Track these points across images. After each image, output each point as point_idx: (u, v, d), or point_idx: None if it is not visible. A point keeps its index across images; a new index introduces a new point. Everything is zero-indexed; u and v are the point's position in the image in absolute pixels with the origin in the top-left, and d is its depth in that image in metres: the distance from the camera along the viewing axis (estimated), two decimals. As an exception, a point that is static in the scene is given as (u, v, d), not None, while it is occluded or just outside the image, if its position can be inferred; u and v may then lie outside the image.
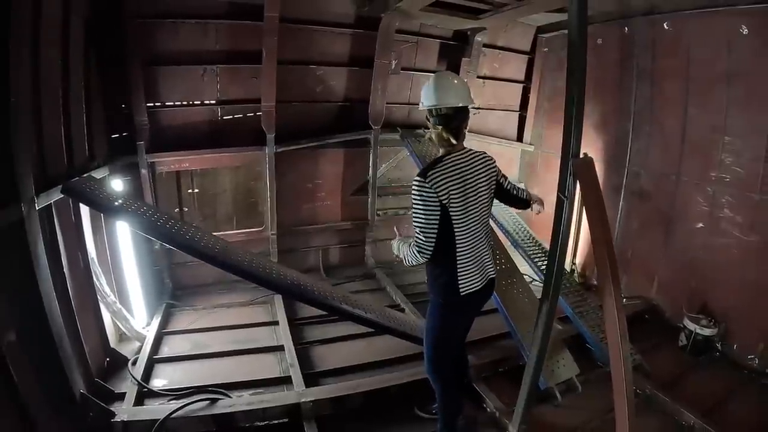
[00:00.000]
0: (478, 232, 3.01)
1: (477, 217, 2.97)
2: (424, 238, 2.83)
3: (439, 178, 2.79)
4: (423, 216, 2.81)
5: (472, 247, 2.98)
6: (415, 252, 2.88)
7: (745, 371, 4.63)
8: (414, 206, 2.85)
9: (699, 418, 3.76)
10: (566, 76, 2.78)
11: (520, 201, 3.45)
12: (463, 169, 2.90)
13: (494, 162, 3.12)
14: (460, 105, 2.93)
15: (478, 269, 3.03)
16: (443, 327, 3.21)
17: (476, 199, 2.94)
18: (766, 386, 4.43)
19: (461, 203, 2.85)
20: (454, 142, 2.95)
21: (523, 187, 3.57)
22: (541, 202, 3.51)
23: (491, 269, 3.16)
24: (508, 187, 3.35)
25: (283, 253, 6.60)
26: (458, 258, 2.93)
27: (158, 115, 5.61)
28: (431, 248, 2.85)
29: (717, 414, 3.91)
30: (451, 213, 2.82)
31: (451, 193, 2.80)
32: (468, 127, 3.08)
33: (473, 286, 3.00)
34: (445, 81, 2.99)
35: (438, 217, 2.81)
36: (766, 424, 3.89)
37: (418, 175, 2.84)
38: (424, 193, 2.79)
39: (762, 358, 4.59)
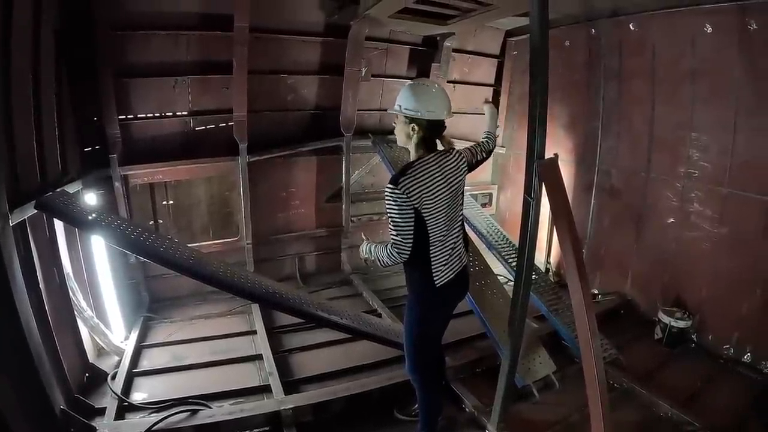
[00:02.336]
0: (451, 227, 3.09)
1: (449, 215, 3.05)
2: (402, 240, 2.89)
3: (410, 184, 2.84)
4: (399, 220, 2.87)
5: (445, 243, 3.06)
6: (394, 253, 2.93)
7: (721, 360, 4.76)
8: (389, 212, 2.91)
9: (676, 409, 3.84)
10: (529, 79, 2.82)
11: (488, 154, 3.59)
12: (434, 172, 2.96)
13: (462, 156, 3.21)
14: (441, 118, 3.05)
15: (450, 261, 3.11)
16: (422, 322, 3.26)
17: (448, 198, 3.02)
18: (741, 374, 4.54)
19: (433, 205, 2.92)
20: (424, 152, 3.05)
21: (485, 137, 3.71)
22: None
23: (464, 258, 3.26)
24: (479, 158, 3.47)
25: (259, 262, 6.58)
26: (432, 254, 3.01)
27: (131, 127, 5.56)
28: (409, 248, 2.91)
29: (694, 404, 4.01)
30: (424, 215, 2.89)
31: (423, 197, 2.86)
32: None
33: (447, 278, 3.08)
34: (429, 90, 3.09)
35: (413, 220, 2.88)
36: (742, 412, 3.97)
37: (389, 182, 2.88)
38: (398, 200, 2.84)
39: (737, 347, 4.71)
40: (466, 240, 3.37)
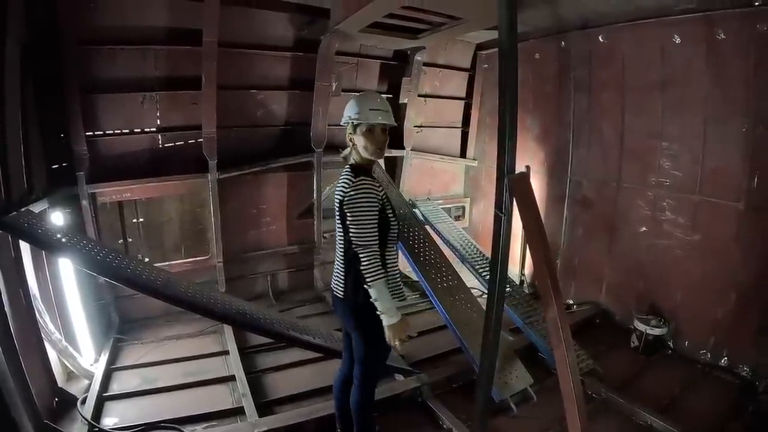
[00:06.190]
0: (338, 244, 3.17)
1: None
2: None
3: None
4: None
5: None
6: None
7: (699, 366, 4.81)
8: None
9: (656, 417, 3.86)
10: (498, 94, 2.82)
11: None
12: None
13: (344, 193, 2.98)
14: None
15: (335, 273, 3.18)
16: None
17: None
18: (719, 378, 4.59)
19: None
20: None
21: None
22: None
23: (337, 286, 3.14)
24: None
25: (231, 280, 6.49)
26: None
27: (98, 143, 5.45)
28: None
29: (674, 410, 4.04)
30: None
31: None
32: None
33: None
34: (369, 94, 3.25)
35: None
36: (721, 415, 4.01)
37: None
38: None
39: (713, 352, 4.77)
40: (348, 274, 3.07)
